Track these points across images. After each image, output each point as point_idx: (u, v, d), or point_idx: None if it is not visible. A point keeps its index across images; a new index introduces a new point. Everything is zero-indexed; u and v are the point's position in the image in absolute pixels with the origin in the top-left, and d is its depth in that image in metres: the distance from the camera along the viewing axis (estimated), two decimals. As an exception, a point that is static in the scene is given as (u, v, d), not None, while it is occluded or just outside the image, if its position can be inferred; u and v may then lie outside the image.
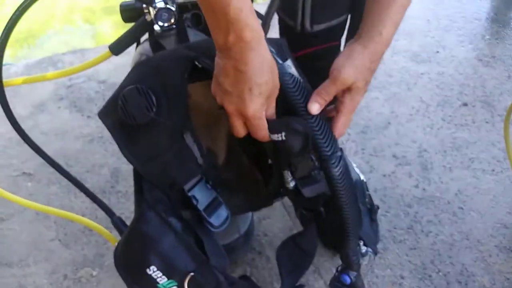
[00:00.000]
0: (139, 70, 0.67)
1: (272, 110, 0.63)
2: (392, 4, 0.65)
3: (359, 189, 0.82)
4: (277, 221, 1.21)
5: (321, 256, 1.12)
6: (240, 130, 0.63)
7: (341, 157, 0.67)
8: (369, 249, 0.76)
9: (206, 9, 0.55)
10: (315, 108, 0.65)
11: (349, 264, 0.77)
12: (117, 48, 0.77)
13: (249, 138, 0.82)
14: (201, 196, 0.74)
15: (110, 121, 0.66)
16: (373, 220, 0.85)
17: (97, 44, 2.48)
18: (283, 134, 0.63)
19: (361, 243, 0.75)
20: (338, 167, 0.66)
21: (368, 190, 0.85)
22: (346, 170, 0.68)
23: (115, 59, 1.93)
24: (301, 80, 0.67)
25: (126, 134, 0.66)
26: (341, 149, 0.68)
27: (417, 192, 1.26)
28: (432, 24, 2.01)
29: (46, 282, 1.12)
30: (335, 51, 1.05)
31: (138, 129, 0.65)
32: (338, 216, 0.71)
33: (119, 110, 0.64)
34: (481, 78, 1.67)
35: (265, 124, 0.62)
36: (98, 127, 1.56)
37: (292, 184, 0.72)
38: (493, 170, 1.31)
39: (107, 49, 0.80)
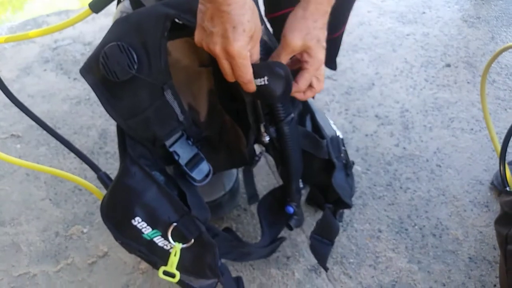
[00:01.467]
0: (119, 27, 0.68)
1: (256, 54, 0.65)
2: None
3: (334, 144, 0.85)
4: (262, 179, 1.24)
5: (303, 212, 1.16)
6: (229, 72, 0.65)
7: (292, 118, 0.77)
8: (306, 185, 0.92)
9: None
10: None
11: (292, 197, 0.90)
12: (97, 5, 0.77)
13: (230, 94, 0.84)
14: (183, 151, 0.77)
15: (92, 77, 0.67)
16: (348, 175, 0.88)
17: (82, 5, 2.43)
18: (266, 78, 0.66)
19: (300, 181, 0.89)
20: (288, 127, 0.77)
21: (344, 146, 0.89)
22: (295, 128, 0.80)
23: (100, 20, 1.92)
24: (272, 46, 0.70)
25: (108, 90, 0.67)
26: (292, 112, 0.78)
27: (397, 151, 1.30)
28: (420, -15, 2.00)
29: (38, 239, 1.16)
30: None
31: (119, 86, 0.67)
32: (285, 163, 0.83)
33: (100, 67, 0.66)
34: (465, 39, 1.68)
35: (249, 65, 0.64)
36: (85, 89, 1.56)
37: (267, 139, 0.75)
38: (472, 129, 1.35)
39: (87, 7, 0.80)
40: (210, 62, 0.80)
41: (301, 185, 0.89)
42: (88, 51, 1.73)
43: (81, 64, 1.74)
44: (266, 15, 0.94)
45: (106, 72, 0.65)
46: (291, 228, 0.93)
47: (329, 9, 0.68)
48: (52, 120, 1.44)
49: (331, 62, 1.17)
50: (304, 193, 0.98)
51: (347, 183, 0.87)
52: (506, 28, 1.74)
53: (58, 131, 1.38)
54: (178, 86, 0.72)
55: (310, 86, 0.73)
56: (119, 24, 0.68)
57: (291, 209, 0.90)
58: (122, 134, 0.73)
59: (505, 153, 0.92)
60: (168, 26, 0.66)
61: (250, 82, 0.66)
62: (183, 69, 0.78)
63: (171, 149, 0.75)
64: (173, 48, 0.75)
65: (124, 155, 0.72)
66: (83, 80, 1.61)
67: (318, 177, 0.92)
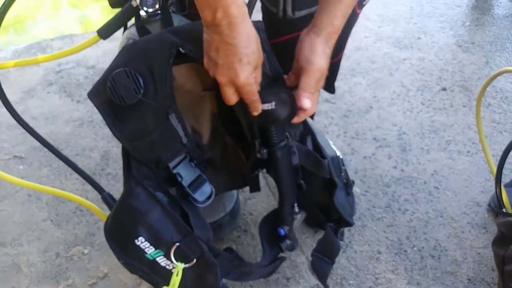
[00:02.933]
0: (126, 53, 0.71)
1: (259, 77, 0.69)
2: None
3: (335, 164, 0.87)
4: (261, 200, 1.26)
5: (303, 234, 1.18)
6: (231, 98, 0.68)
7: (285, 145, 0.81)
8: (302, 210, 0.93)
9: None
10: (307, 103, 0.72)
11: (283, 220, 0.91)
12: (104, 32, 0.81)
13: (232, 117, 0.87)
14: (186, 173, 0.79)
15: (100, 101, 0.70)
16: (348, 194, 0.90)
17: (85, 29, 2.48)
18: (273, 103, 0.69)
19: (295, 205, 0.91)
20: (281, 152, 0.80)
21: (344, 166, 0.91)
22: (288, 154, 0.83)
23: (103, 45, 1.96)
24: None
25: (115, 114, 0.70)
26: (287, 137, 0.82)
27: (395, 173, 1.32)
28: (415, 11, 2.06)
29: (39, 260, 1.17)
30: None
31: (126, 110, 0.69)
32: (278, 186, 0.86)
33: (108, 92, 0.68)
34: (460, 64, 1.73)
35: (255, 89, 0.67)
36: (88, 112, 1.59)
37: (265, 152, 0.78)
38: (469, 152, 1.37)
39: (96, 34, 0.83)
40: (213, 86, 0.82)
41: (296, 209, 0.92)
42: (92, 75, 1.77)
43: (85, 87, 1.77)
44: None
45: (113, 96, 0.68)
46: (281, 250, 0.95)
47: (336, 39, 0.73)
48: (55, 142, 1.46)
49: (329, 86, 1.20)
50: (300, 218, 1.00)
51: (348, 202, 0.89)
52: (500, 53, 1.79)
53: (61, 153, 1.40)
54: (181, 110, 0.75)
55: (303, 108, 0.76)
56: (126, 50, 0.71)
57: (282, 231, 0.92)
58: (127, 156, 0.75)
59: (501, 175, 0.94)
60: (173, 53, 0.69)
61: (257, 102, 0.69)
62: (187, 93, 0.81)
63: (174, 171, 0.77)
64: (177, 73, 0.78)
65: (129, 176, 0.74)
66: (86, 102, 1.64)
67: (320, 196, 0.94)
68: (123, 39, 0.90)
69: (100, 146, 1.46)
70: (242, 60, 0.62)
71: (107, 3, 0.86)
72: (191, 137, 0.77)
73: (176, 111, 0.72)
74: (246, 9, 0.61)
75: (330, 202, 0.88)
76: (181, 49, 0.70)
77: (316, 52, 0.71)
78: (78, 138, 1.50)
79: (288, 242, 0.94)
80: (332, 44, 0.74)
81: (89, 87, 1.70)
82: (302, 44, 0.73)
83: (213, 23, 0.60)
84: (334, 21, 0.72)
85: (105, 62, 1.82)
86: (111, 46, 1.85)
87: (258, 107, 0.70)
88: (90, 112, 1.59)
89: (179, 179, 0.78)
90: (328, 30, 0.72)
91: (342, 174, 0.89)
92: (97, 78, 1.79)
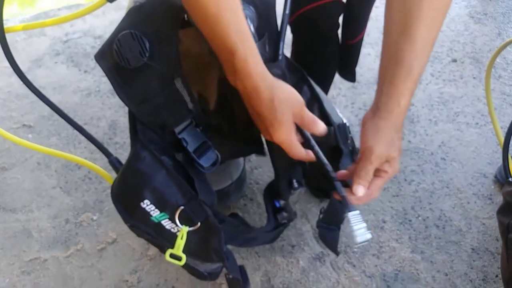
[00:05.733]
0: (133, 16, 0.70)
1: (307, 119, 0.66)
2: (409, 75, 0.62)
3: (341, 131, 0.86)
4: (268, 170, 1.26)
5: (308, 203, 1.18)
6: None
7: None
8: (301, 186, 0.91)
9: (215, 49, 0.63)
10: (360, 191, 0.66)
11: (279, 194, 0.92)
12: (112, -6, 0.80)
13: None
14: (191, 139, 0.79)
15: (106, 64, 0.69)
16: (354, 161, 0.90)
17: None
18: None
19: (294, 181, 0.90)
20: None
21: (350, 133, 0.90)
22: None
23: (110, 14, 1.94)
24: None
25: (121, 76, 0.70)
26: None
27: (402, 144, 1.31)
28: (428, -19, 2.01)
29: (49, 226, 1.19)
30: (333, 9, 1.05)
31: (131, 73, 0.69)
32: (272, 162, 0.87)
33: (114, 54, 0.68)
34: (472, 35, 1.69)
35: (295, 144, 0.66)
36: (95, 82, 1.59)
37: None
38: (477, 124, 1.36)
39: (102, -2, 0.82)
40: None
41: (295, 185, 0.91)
42: (98, 44, 1.76)
43: (91, 57, 1.77)
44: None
45: (119, 59, 0.68)
46: (278, 222, 0.95)
47: (404, 116, 0.66)
48: (63, 111, 1.46)
49: (350, 72, 1.18)
50: (302, 192, 1.01)
51: None
52: (513, 24, 1.75)
53: (69, 122, 1.41)
54: (188, 74, 0.74)
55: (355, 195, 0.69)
56: (133, 13, 0.70)
57: (277, 204, 0.93)
58: (133, 120, 0.75)
59: (508, 145, 0.93)
60: (182, 17, 0.68)
61: (299, 155, 0.67)
62: (193, 57, 0.80)
63: (179, 136, 0.77)
64: (184, 36, 0.77)
65: (135, 139, 0.74)
66: (93, 72, 1.64)
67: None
68: (129, 2, 0.88)
69: (107, 115, 1.46)
70: (273, 124, 0.63)
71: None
72: (197, 102, 0.77)
73: (182, 76, 0.71)
74: (266, 77, 0.62)
75: (335, 170, 0.88)
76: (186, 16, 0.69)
77: (380, 140, 0.64)
78: (85, 107, 1.50)
79: (284, 214, 0.95)
80: (400, 125, 0.65)
81: (96, 57, 1.71)
82: (365, 130, 0.66)
83: (236, 87, 0.64)
84: (401, 100, 0.63)
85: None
86: (118, 15, 1.84)
87: (302, 157, 0.68)
88: (98, 82, 1.59)
89: (185, 144, 0.78)
90: (396, 112, 0.64)
91: (349, 141, 0.88)
92: (104, 47, 1.76)
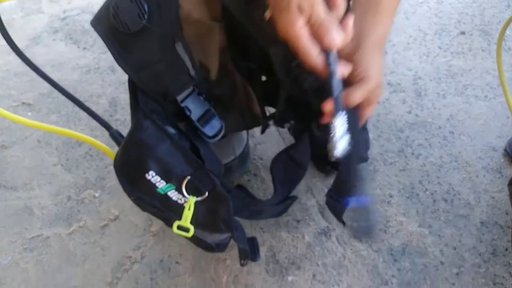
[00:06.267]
0: (130, -22, 0.67)
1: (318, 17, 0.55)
2: None
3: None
4: (272, 146, 1.24)
5: (313, 177, 1.16)
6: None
7: None
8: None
9: None
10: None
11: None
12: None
13: (243, 53, 0.83)
14: (194, 107, 0.77)
15: (103, 29, 0.67)
16: (364, 128, 0.87)
17: None
18: None
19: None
20: None
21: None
22: None
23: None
24: None
25: (119, 42, 0.67)
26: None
27: (409, 118, 1.29)
28: (434, -47, 1.95)
29: (50, 203, 1.18)
30: None
31: (130, 37, 0.66)
32: None
33: (111, 18, 0.65)
34: (480, 7, 1.64)
35: (301, 36, 0.55)
36: (95, 59, 1.56)
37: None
38: (486, 97, 1.33)
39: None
40: (223, 17, 0.78)
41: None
42: (97, 21, 1.72)
43: (90, 33, 1.73)
44: None
45: (116, 23, 0.65)
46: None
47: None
48: (62, 87, 1.44)
49: None
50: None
51: (362, 136, 0.86)
52: (522, -4, 1.70)
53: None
54: (188, 41, 0.71)
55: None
56: (129, -25, 0.67)
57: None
58: (134, 89, 0.73)
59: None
60: (180, -23, 0.65)
61: (310, 59, 0.57)
62: (193, 23, 0.77)
63: (182, 104, 0.75)
64: (183, 1, 0.74)
65: (136, 109, 0.72)
66: (92, 49, 1.60)
67: None
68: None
69: (108, 92, 1.43)
70: (276, 8, 0.55)
71: None
72: (199, 69, 0.74)
73: (183, 40, 0.68)
74: None
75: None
76: None
77: (370, 59, 0.62)
78: (85, 84, 1.47)
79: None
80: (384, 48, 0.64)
81: (95, 34, 1.65)
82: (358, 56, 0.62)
83: None
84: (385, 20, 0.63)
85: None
86: (117, -9, 1.80)
87: (312, 58, 0.57)
88: (97, 59, 1.56)
89: (188, 113, 0.75)
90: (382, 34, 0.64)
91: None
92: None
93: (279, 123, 0.98)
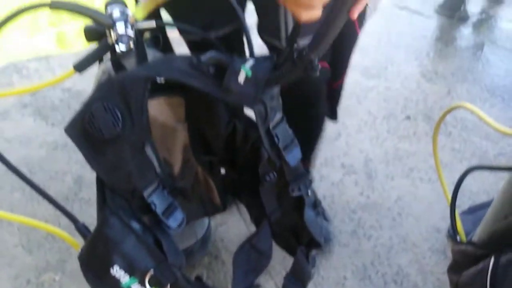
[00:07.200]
0: (103, 88, 0.74)
1: None
2: None
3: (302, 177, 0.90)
4: (233, 227, 1.29)
5: (272, 259, 1.21)
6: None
7: None
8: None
9: None
10: None
11: None
12: (80, 66, 0.84)
13: (204, 147, 0.91)
14: (159, 201, 0.82)
15: (77, 135, 0.72)
16: (318, 214, 0.94)
17: (62, 46, 2.44)
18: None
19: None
20: None
21: (312, 183, 0.95)
22: None
23: (79, 68, 1.96)
24: None
25: (92, 147, 0.72)
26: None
27: (361, 199, 1.38)
28: (383, 41, 2.16)
29: (9, 287, 1.16)
30: (321, 75, 1.10)
31: (103, 143, 0.72)
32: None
33: (86, 126, 0.71)
34: (424, 93, 1.82)
35: None
36: (62, 135, 1.58)
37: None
38: (430, 179, 1.45)
39: (72, 68, 0.86)
40: (185, 119, 0.86)
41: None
42: (67, 97, 1.78)
43: (60, 110, 1.78)
44: None
45: (91, 130, 0.71)
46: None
47: None
48: (28, 165, 1.46)
49: (333, 112, 1.25)
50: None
51: (317, 222, 0.93)
52: (461, 84, 1.89)
53: (34, 176, 1.41)
54: (154, 141, 0.78)
55: None
56: (103, 85, 0.74)
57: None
58: (101, 186, 0.78)
59: (455, 204, 1.00)
60: (148, 87, 0.73)
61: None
62: (159, 126, 0.84)
63: (149, 200, 0.80)
64: (150, 107, 0.81)
65: (103, 206, 0.76)
66: (61, 126, 1.65)
67: (290, 216, 0.98)
68: (98, 71, 0.93)
69: (73, 170, 1.47)
70: None
71: (85, 21, 0.89)
72: (164, 166, 0.81)
73: (152, 142, 0.75)
74: None
75: (300, 222, 0.92)
76: (158, 80, 0.74)
77: None
78: (52, 161, 1.50)
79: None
80: None
81: (64, 110, 1.73)
82: None
83: None
84: None
85: (81, 85, 1.84)
86: (88, 69, 1.87)
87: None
88: (65, 135, 1.57)
89: (153, 207, 0.81)
90: None
91: (310, 192, 0.93)
92: (72, 101, 1.80)
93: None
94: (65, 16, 2.83)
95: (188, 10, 0.99)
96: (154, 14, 0.92)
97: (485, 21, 2.32)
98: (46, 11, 0.73)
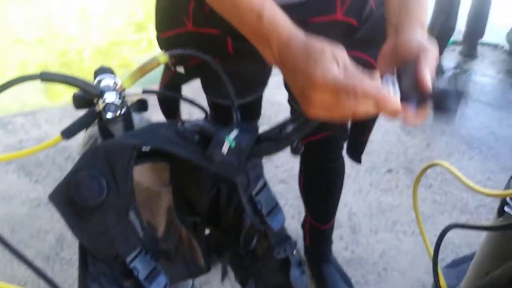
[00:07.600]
0: (89, 156, 0.76)
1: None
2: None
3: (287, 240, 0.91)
4: (217, 286, 1.28)
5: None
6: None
7: None
8: None
9: (247, 35, 0.63)
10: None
11: None
12: (68, 133, 0.86)
13: (188, 208, 0.92)
14: (142, 266, 0.82)
15: (62, 202, 0.73)
16: (303, 272, 0.94)
17: (50, 98, 2.44)
18: None
19: None
20: None
21: (296, 245, 0.95)
22: None
23: (66, 122, 1.99)
24: None
25: (76, 214, 0.73)
26: None
27: (346, 254, 1.39)
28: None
29: None
30: (339, 136, 1.23)
31: (88, 210, 0.73)
32: None
33: (71, 192, 0.72)
34: (404, 146, 1.87)
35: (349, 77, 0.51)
36: (46, 192, 1.59)
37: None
38: (413, 232, 1.47)
39: (59, 134, 0.88)
40: (170, 182, 0.88)
41: None
42: (52, 153, 1.79)
43: (44, 166, 1.78)
44: None
45: (76, 198, 0.72)
46: None
47: None
48: (9, 223, 1.44)
49: (358, 156, 1.28)
50: None
51: (302, 281, 0.93)
52: (439, 136, 1.95)
53: (15, 234, 1.39)
54: (138, 205, 0.79)
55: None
56: (89, 153, 0.76)
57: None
58: (83, 252, 0.78)
59: (437, 261, 1.01)
60: (134, 155, 0.75)
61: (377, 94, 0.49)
62: (143, 190, 0.86)
63: (131, 266, 0.80)
64: (135, 172, 0.83)
65: (85, 272, 0.76)
66: (44, 182, 1.64)
67: (276, 278, 0.97)
68: (85, 136, 0.95)
69: (56, 228, 1.45)
70: (309, 69, 0.53)
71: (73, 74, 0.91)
72: (147, 231, 0.81)
73: (135, 208, 0.76)
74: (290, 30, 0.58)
75: (285, 283, 0.92)
76: (143, 148, 0.76)
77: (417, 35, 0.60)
78: (34, 219, 1.49)
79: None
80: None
81: (48, 166, 1.73)
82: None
83: (278, 59, 0.59)
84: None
85: (66, 141, 1.85)
86: (74, 125, 1.89)
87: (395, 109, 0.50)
88: (48, 192, 1.56)
89: (136, 273, 0.80)
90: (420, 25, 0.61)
91: (294, 253, 0.93)
92: (58, 157, 1.80)
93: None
94: (54, 67, 2.90)
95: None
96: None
97: (459, 75, 2.43)
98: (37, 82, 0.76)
